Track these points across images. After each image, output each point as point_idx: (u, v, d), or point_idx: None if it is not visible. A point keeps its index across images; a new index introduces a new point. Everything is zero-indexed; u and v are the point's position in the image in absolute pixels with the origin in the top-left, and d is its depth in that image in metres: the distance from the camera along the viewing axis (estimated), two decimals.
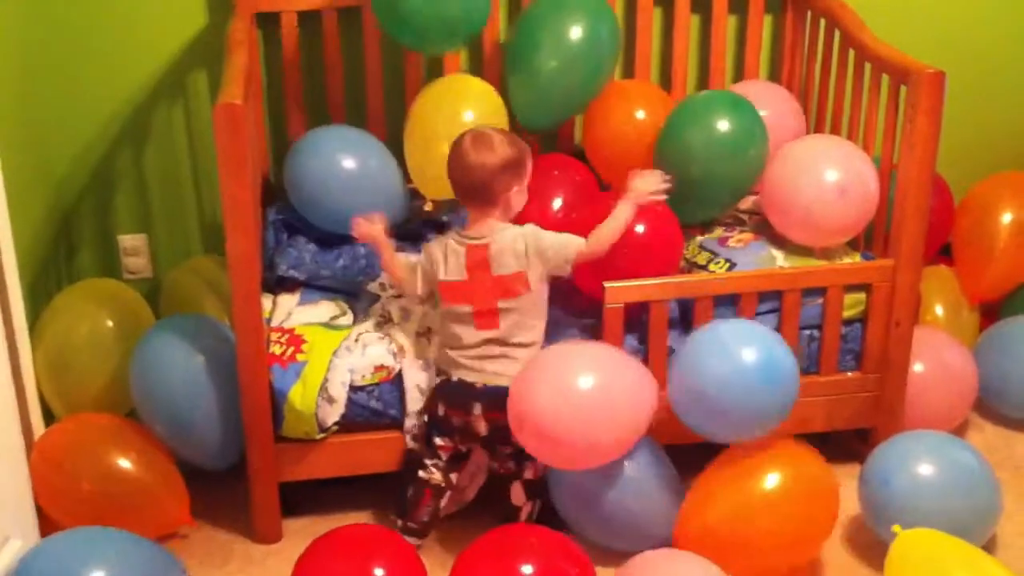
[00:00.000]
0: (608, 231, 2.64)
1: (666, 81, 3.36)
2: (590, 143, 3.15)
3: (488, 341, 2.63)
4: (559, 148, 3.25)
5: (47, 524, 2.66)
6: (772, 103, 3.15)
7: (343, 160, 2.91)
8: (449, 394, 2.66)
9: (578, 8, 2.98)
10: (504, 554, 2.35)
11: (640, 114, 3.06)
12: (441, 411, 2.67)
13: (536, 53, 2.97)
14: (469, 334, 2.63)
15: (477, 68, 3.26)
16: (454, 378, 2.65)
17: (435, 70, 3.24)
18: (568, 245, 2.63)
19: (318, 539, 2.41)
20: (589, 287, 2.76)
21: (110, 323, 2.97)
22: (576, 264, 2.65)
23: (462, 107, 2.89)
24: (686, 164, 2.88)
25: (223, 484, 2.88)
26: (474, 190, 2.62)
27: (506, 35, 3.20)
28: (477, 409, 2.63)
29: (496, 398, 2.59)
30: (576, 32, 2.95)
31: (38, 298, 3.04)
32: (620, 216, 2.66)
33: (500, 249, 2.61)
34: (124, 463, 2.70)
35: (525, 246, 2.61)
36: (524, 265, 2.61)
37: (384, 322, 2.82)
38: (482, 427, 2.64)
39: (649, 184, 2.71)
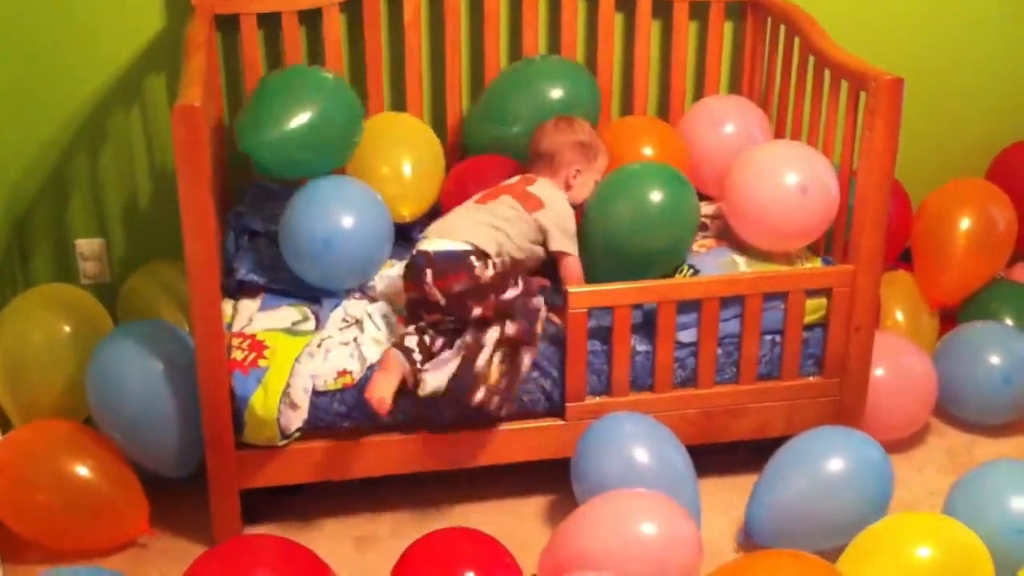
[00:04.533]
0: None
1: (628, 87, 3.38)
2: None
3: (475, 208, 2.79)
4: None
5: (3, 533, 2.62)
6: (738, 115, 3.18)
7: (343, 220, 2.78)
8: (408, 269, 2.74)
9: (557, 72, 3.18)
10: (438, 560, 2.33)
11: (647, 151, 3.09)
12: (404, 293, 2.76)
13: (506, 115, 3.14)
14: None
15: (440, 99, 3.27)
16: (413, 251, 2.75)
17: (397, 85, 3.24)
18: (565, 246, 2.82)
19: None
20: None
21: (67, 329, 2.93)
22: (560, 263, 2.83)
23: (399, 144, 3.05)
24: (611, 234, 2.87)
25: (183, 492, 2.84)
26: (542, 155, 2.91)
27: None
28: (428, 276, 2.68)
29: (444, 261, 2.68)
30: (557, 93, 3.12)
31: None
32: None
33: (541, 188, 2.86)
34: (82, 471, 2.66)
35: (555, 199, 2.85)
36: (546, 202, 2.82)
37: (347, 327, 2.80)
38: (437, 295, 2.68)
39: None
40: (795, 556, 2.39)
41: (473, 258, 2.68)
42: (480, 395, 2.64)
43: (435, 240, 2.73)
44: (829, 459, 2.64)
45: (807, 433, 2.75)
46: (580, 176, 2.92)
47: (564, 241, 2.82)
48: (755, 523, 2.70)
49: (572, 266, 2.83)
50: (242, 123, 2.80)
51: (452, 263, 2.68)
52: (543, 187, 2.87)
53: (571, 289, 2.73)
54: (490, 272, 2.69)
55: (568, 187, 2.92)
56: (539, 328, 2.73)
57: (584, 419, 2.78)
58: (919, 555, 2.36)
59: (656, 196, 2.84)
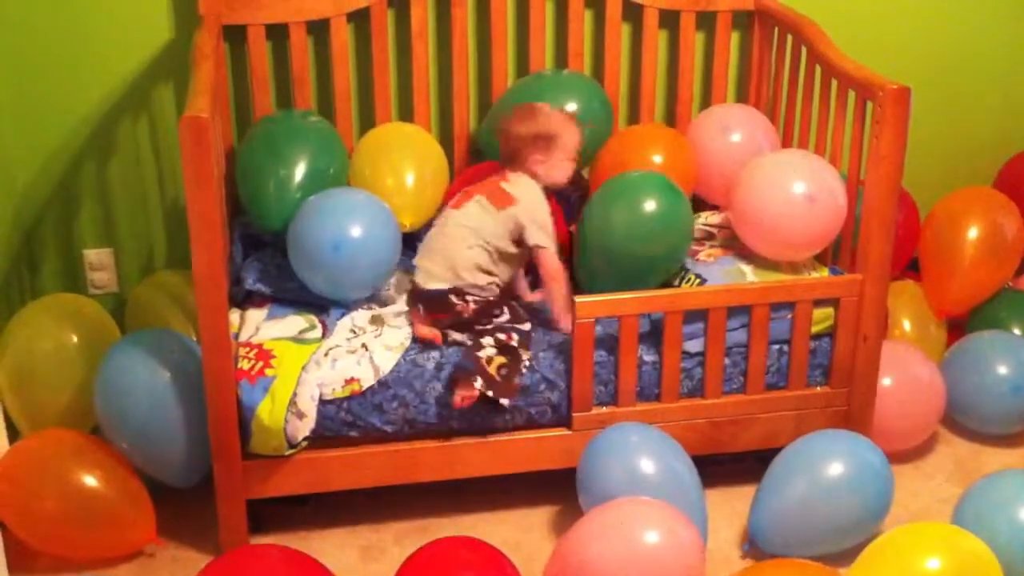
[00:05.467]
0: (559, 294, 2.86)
1: (635, 96, 3.38)
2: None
3: (453, 217, 2.84)
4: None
5: (11, 542, 2.62)
6: (745, 124, 3.18)
7: (352, 228, 2.79)
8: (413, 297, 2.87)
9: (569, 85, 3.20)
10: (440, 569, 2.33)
11: (657, 159, 3.08)
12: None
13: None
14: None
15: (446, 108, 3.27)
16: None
17: (404, 95, 3.25)
18: (541, 240, 2.81)
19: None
20: None
21: (75, 338, 2.94)
22: (538, 257, 2.84)
23: (403, 155, 3.06)
24: (608, 243, 2.87)
25: (190, 501, 2.85)
26: (505, 153, 2.92)
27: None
28: (421, 310, 2.83)
29: (430, 301, 2.81)
30: (570, 107, 3.10)
31: (1, 313, 3.00)
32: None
33: (514, 184, 2.88)
34: (89, 480, 2.66)
35: (528, 194, 2.85)
36: (519, 198, 2.83)
37: (355, 336, 2.80)
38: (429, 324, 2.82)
39: None
40: (799, 566, 2.38)
41: (453, 297, 2.78)
42: (479, 384, 2.68)
43: (423, 271, 2.83)
44: (828, 463, 2.66)
45: (806, 437, 2.75)
46: (543, 166, 2.89)
47: (540, 235, 2.82)
48: (758, 529, 2.70)
49: (550, 260, 2.83)
50: (247, 197, 2.89)
51: (437, 303, 2.80)
52: (516, 182, 2.88)
53: (579, 299, 2.73)
54: (472, 306, 2.78)
55: (535, 176, 2.89)
56: (531, 341, 2.80)
57: (591, 429, 2.78)
58: (929, 566, 2.34)
59: (649, 205, 2.83)
